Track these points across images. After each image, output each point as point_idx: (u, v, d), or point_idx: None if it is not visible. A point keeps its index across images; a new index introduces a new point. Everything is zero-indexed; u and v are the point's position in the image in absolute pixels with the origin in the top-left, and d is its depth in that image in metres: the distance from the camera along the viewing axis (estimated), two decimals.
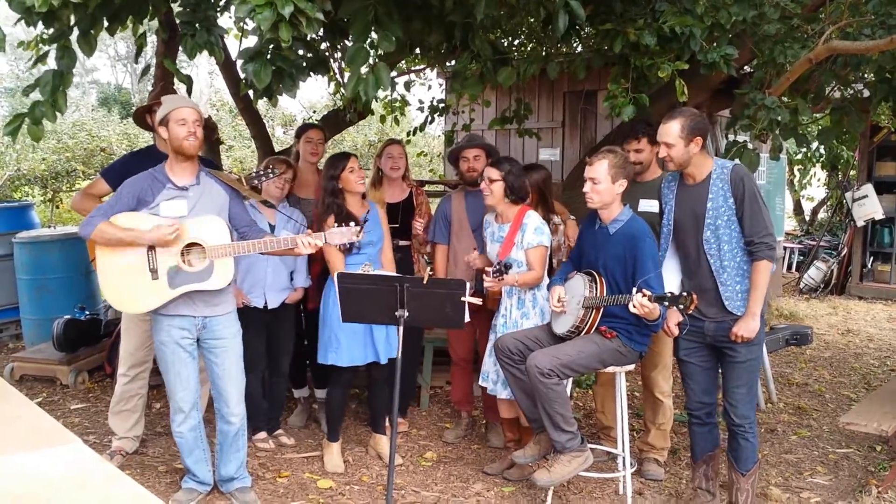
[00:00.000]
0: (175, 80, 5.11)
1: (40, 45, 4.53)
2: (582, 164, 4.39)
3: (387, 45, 4.04)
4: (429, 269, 5.04)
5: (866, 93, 6.09)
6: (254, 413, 4.63)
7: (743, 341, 3.75)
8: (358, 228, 3.94)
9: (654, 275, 3.87)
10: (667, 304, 3.68)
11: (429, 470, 4.77)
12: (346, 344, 4.49)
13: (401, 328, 3.81)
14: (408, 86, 8.11)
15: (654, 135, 4.54)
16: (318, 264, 4.92)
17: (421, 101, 8.08)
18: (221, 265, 3.83)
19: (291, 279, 4.89)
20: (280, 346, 4.93)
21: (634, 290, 3.73)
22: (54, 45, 4.29)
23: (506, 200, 4.47)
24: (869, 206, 10.33)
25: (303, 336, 5.28)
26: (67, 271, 7.01)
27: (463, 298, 3.81)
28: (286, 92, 4.54)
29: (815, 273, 11.06)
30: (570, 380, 4.15)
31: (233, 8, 4.20)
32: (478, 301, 4.01)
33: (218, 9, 4.71)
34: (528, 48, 7.23)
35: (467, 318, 3.91)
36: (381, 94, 4.13)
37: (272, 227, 4.71)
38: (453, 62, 5.86)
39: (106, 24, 4.47)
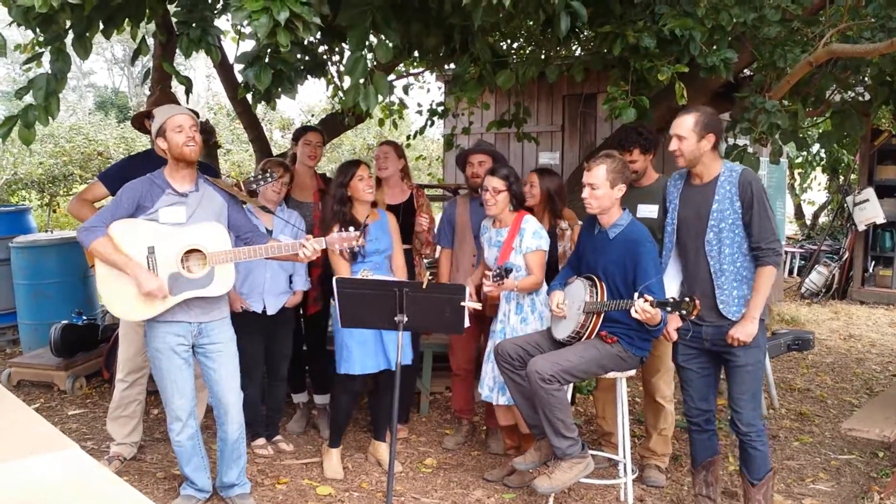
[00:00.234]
0: (174, 83, 5.09)
1: (36, 47, 4.52)
2: (581, 169, 4.38)
3: (384, 54, 4.03)
4: (428, 273, 5.02)
5: (867, 96, 6.09)
6: (252, 419, 4.61)
7: (740, 345, 3.72)
8: (358, 234, 3.92)
9: (656, 280, 3.85)
10: (669, 309, 3.66)
11: (429, 476, 4.75)
12: (357, 352, 4.46)
13: (403, 334, 3.79)
14: (406, 89, 8.12)
15: (645, 144, 4.55)
16: (317, 268, 4.90)
17: (420, 105, 8.08)
18: (222, 271, 3.81)
19: (290, 283, 4.86)
20: (278, 351, 4.91)
21: (636, 295, 3.71)
22: (48, 48, 4.27)
23: (509, 208, 4.46)
24: (870, 211, 10.32)
25: (301, 341, 5.25)
26: (65, 276, 6.98)
27: (462, 303, 3.80)
28: (285, 94, 4.54)
29: (816, 278, 11.05)
30: (571, 385, 4.12)
31: (229, 14, 4.19)
32: (477, 306, 3.99)
33: (215, 10, 4.70)
34: (528, 51, 7.23)
35: (467, 323, 3.90)
36: (378, 100, 4.12)
37: (269, 232, 4.70)
38: (452, 65, 5.86)
39: (102, 26, 4.45)
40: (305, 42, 5.20)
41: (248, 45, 4.36)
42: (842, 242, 11.61)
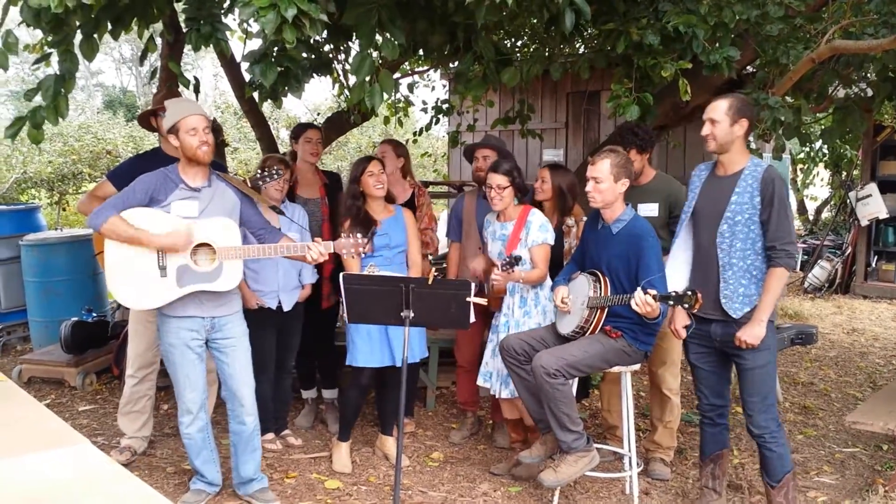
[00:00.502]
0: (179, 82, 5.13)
1: (45, 47, 4.55)
2: (585, 165, 4.40)
3: (391, 52, 4.05)
4: (433, 269, 5.06)
5: (869, 92, 6.09)
6: (262, 414, 4.64)
7: (748, 347, 3.69)
8: (366, 240, 3.97)
9: (658, 274, 3.87)
10: (671, 302, 3.69)
11: (435, 470, 4.79)
12: (361, 346, 4.53)
13: (409, 329, 3.82)
14: (411, 87, 8.13)
15: (641, 144, 4.57)
16: (330, 263, 4.94)
17: (424, 102, 8.10)
18: (230, 267, 3.85)
19: (300, 277, 4.91)
20: (287, 343, 4.95)
21: (640, 289, 3.73)
22: (57, 49, 4.30)
23: (514, 203, 4.49)
24: (873, 206, 10.30)
25: (309, 335, 5.27)
26: (74, 273, 7.03)
27: (468, 299, 3.83)
28: (292, 93, 4.56)
29: (819, 272, 11.04)
30: (576, 380, 4.15)
31: (237, 10, 4.22)
32: (483, 301, 4.02)
33: (222, 9, 4.73)
34: (532, 49, 7.24)
35: (473, 319, 3.93)
36: (384, 97, 4.14)
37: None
38: (456, 63, 5.88)
39: (110, 27, 4.49)
40: (311, 41, 5.23)
41: (255, 45, 4.39)
42: (844, 237, 11.60)
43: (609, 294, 3.97)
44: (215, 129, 6.29)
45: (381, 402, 4.95)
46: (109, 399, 5.93)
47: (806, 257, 12.14)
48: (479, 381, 4.67)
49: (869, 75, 5.83)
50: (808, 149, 12.79)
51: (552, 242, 4.49)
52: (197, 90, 5.06)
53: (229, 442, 4.25)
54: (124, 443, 4.77)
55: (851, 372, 7.05)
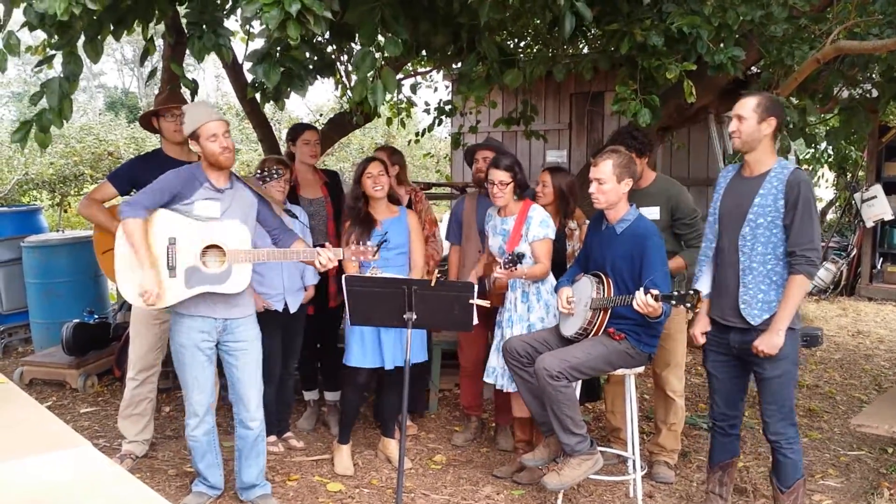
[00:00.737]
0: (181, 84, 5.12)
1: (47, 49, 4.54)
2: (589, 166, 4.39)
3: (394, 50, 4.04)
4: (436, 271, 5.04)
5: (874, 93, 6.08)
6: (265, 416, 4.63)
7: (764, 356, 3.60)
8: (375, 248, 3.96)
9: (661, 273, 3.85)
10: (673, 302, 3.67)
11: (438, 473, 4.77)
12: (354, 346, 4.53)
13: (410, 331, 3.81)
14: (414, 88, 8.12)
15: (640, 147, 4.53)
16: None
17: (427, 104, 8.09)
18: (239, 270, 3.84)
19: (303, 278, 4.90)
20: (290, 345, 4.93)
21: (641, 289, 3.72)
22: (60, 51, 4.29)
23: (514, 198, 4.48)
24: (878, 207, 10.27)
25: (311, 337, 5.26)
26: (76, 275, 7.02)
27: (471, 301, 3.81)
28: (295, 92, 4.55)
29: (824, 274, 11.01)
30: (580, 382, 4.13)
31: (239, 10, 4.20)
32: (486, 303, 4.01)
33: (224, 10, 4.72)
34: (535, 50, 7.23)
35: (476, 321, 3.91)
36: (386, 97, 4.11)
37: None
38: (459, 64, 5.87)
39: (112, 28, 4.48)
40: (314, 41, 5.22)
41: (258, 45, 4.37)
42: (849, 239, 11.57)
43: (612, 295, 3.95)
44: None
45: (381, 405, 4.94)
46: (111, 401, 5.92)
47: None
48: (486, 378, 4.65)
49: (874, 76, 5.81)
50: (813, 150, 12.77)
51: (553, 237, 4.48)
52: (194, 93, 5.05)
53: (232, 445, 4.23)
54: (125, 448, 4.75)
55: (856, 374, 7.03)
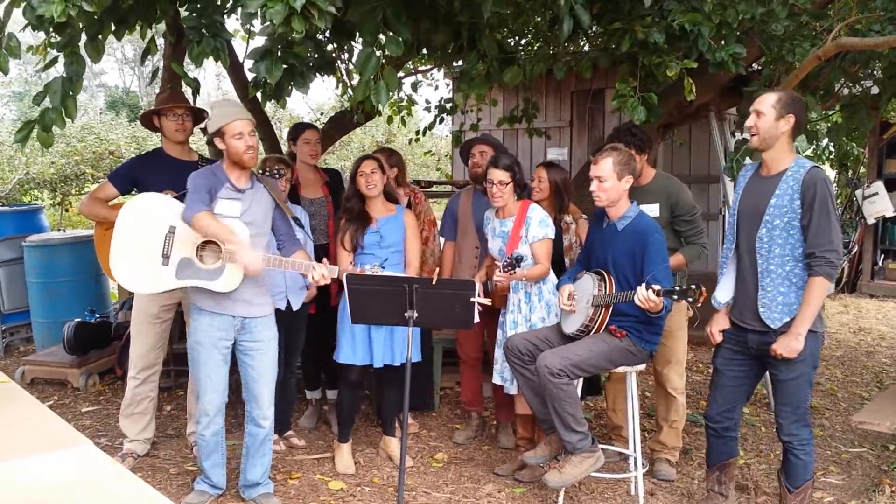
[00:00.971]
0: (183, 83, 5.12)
1: (49, 49, 4.54)
2: (589, 164, 4.39)
3: (396, 49, 4.04)
4: (437, 270, 5.04)
5: (876, 89, 6.07)
6: None
7: (782, 359, 3.54)
8: (375, 266, 3.98)
9: (662, 269, 3.84)
10: (675, 297, 3.66)
11: (439, 471, 4.77)
12: (344, 343, 4.56)
13: (411, 330, 3.81)
14: (415, 86, 8.12)
15: (639, 144, 4.52)
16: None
17: (428, 102, 8.08)
18: (232, 270, 3.84)
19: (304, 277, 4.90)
20: (292, 343, 4.93)
21: (643, 284, 3.71)
22: (63, 52, 4.29)
23: (514, 198, 4.48)
24: (879, 204, 10.27)
25: (314, 336, 5.25)
26: (77, 274, 7.03)
27: (472, 299, 3.81)
28: (297, 89, 4.55)
29: None
30: (581, 380, 4.13)
31: (239, 10, 4.20)
32: (487, 302, 4.00)
33: (224, 11, 4.72)
34: (536, 47, 7.23)
35: (477, 319, 3.91)
36: (389, 96, 4.13)
37: None
38: (460, 62, 5.87)
39: (113, 28, 4.48)
40: (316, 38, 5.21)
41: (259, 43, 4.38)
42: (851, 236, 11.55)
43: (614, 292, 3.95)
44: None
45: (380, 403, 4.93)
46: (112, 400, 5.92)
47: None
48: (495, 380, 4.64)
49: (875, 72, 5.80)
50: (814, 146, 12.75)
51: (553, 236, 4.48)
52: (197, 91, 5.05)
53: (237, 444, 4.23)
54: (126, 447, 4.75)
55: (858, 371, 7.03)
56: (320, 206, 5.17)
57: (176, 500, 4.21)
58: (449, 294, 3.84)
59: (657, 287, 3.66)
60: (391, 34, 4.10)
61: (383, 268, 4.25)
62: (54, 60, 4.50)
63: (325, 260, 3.99)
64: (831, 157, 13.16)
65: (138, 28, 4.90)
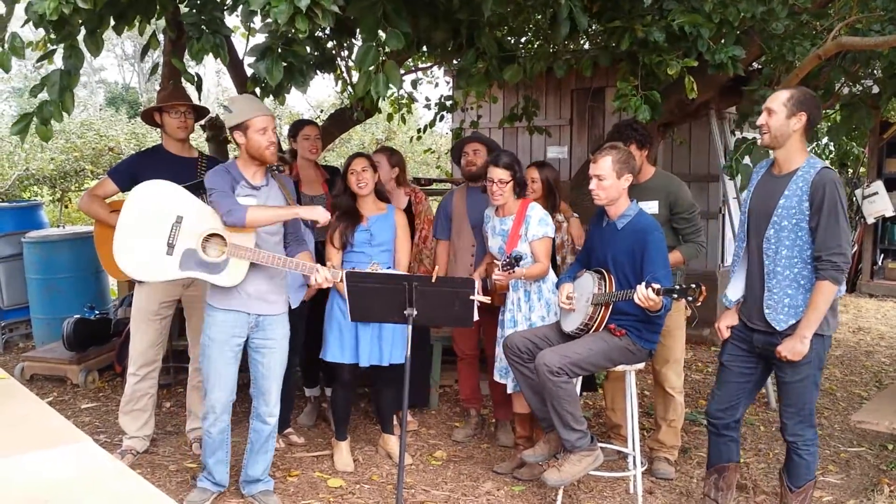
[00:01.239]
0: (183, 79, 5.12)
1: (48, 44, 4.54)
2: (589, 163, 4.40)
3: (396, 43, 4.03)
4: (436, 268, 5.03)
5: (876, 89, 6.07)
6: None
7: (787, 361, 3.53)
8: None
9: (662, 268, 3.84)
10: (675, 296, 3.66)
11: (439, 469, 4.77)
12: (331, 341, 4.55)
13: (410, 328, 3.81)
14: (415, 84, 8.11)
15: (641, 139, 4.52)
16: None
17: (428, 99, 8.08)
18: (235, 265, 3.83)
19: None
20: (290, 343, 4.92)
21: (642, 283, 3.71)
22: (61, 45, 4.29)
23: (513, 197, 4.48)
24: (879, 204, 10.26)
25: (313, 334, 5.25)
26: (77, 271, 7.03)
27: (472, 297, 3.81)
28: (297, 88, 4.55)
29: None
30: (580, 378, 4.14)
31: (240, 7, 4.20)
32: (486, 299, 4.00)
33: (225, 8, 4.71)
34: (536, 45, 7.23)
35: (476, 317, 3.91)
36: (391, 91, 4.12)
37: None
38: (459, 60, 5.87)
39: (113, 23, 4.47)
40: (316, 35, 5.21)
41: (259, 41, 4.38)
42: (851, 234, 11.57)
43: (614, 290, 3.95)
44: (218, 125, 6.30)
45: (376, 400, 4.94)
46: (112, 397, 5.93)
47: None
48: (496, 377, 4.64)
49: (875, 72, 5.80)
50: (814, 146, 12.77)
51: (552, 235, 4.48)
52: (199, 87, 5.04)
53: (236, 440, 4.23)
54: (125, 444, 4.75)
55: (857, 371, 7.03)
56: (320, 202, 5.16)
57: (175, 496, 4.21)
58: (448, 292, 3.84)
59: (657, 286, 3.66)
60: (391, 29, 4.10)
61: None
62: (51, 53, 4.50)
63: (330, 262, 3.99)
64: (831, 156, 13.20)
65: (138, 24, 4.90)
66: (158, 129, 4.81)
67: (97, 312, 6.63)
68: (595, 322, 3.99)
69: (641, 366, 4.19)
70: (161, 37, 5.62)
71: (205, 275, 3.82)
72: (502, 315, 4.62)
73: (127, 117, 18.11)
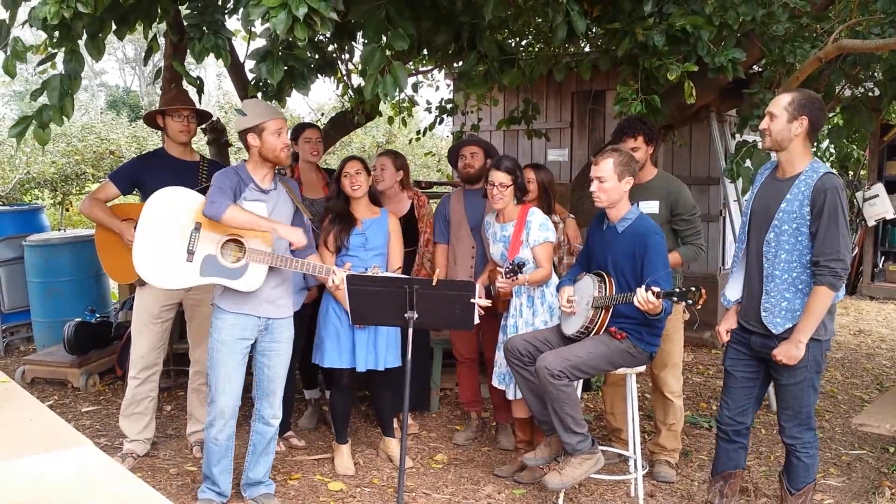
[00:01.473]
0: (185, 82, 5.12)
1: (49, 48, 4.55)
2: (590, 166, 4.40)
3: (401, 44, 4.03)
4: (437, 271, 5.03)
5: (876, 92, 6.08)
6: None
7: (783, 365, 3.52)
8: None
9: (663, 271, 3.84)
10: (675, 299, 3.66)
11: (439, 472, 4.77)
12: (329, 346, 4.53)
13: (411, 331, 3.81)
14: (416, 87, 8.12)
15: (649, 133, 4.52)
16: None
17: (429, 102, 8.09)
18: (255, 270, 3.84)
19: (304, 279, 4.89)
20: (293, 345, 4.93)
21: (642, 286, 3.71)
22: (62, 49, 4.30)
23: (514, 202, 4.47)
24: (880, 206, 10.26)
25: (311, 336, 5.25)
26: (78, 274, 7.03)
27: (472, 300, 3.81)
28: (299, 91, 4.56)
29: None
30: (580, 381, 4.13)
31: (241, 11, 4.20)
32: (487, 303, 4.00)
33: (226, 11, 4.72)
34: (536, 48, 7.24)
35: (477, 320, 3.91)
36: (397, 92, 4.13)
37: None
38: (460, 62, 5.88)
39: (114, 27, 4.48)
40: (316, 39, 5.21)
41: (259, 44, 4.38)
42: (851, 238, 11.57)
43: (614, 294, 3.94)
44: (219, 129, 6.31)
45: (375, 404, 4.94)
46: (112, 400, 5.92)
47: None
48: (495, 383, 4.64)
49: (876, 75, 5.81)
50: (815, 148, 12.77)
51: (553, 240, 4.48)
52: (200, 90, 5.05)
53: (239, 443, 4.21)
54: (126, 447, 4.75)
55: (858, 374, 7.03)
56: (320, 207, 5.16)
57: (176, 500, 4.21)
58: (449, 295, 3.83)
59: (657, 289, 3.66)
60: (395, 31, 4.10)
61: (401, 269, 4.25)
62: (52, 57, 4.50)
63: (347, 265, 4.00)
64: (832, 158, 13.20)
65: (139, 27, 4.90)
66: (159, 133, 4.81)
67: (98, 316, 6.62)
68: (595, 325, 3.98)
69: (642, 369, 4.18)
70: (162, 40, 5.63)
71: (225, 280, 3.82)
72: (504, 321, 4.61)
73: (128, 121, 18.13)
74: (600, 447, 4.12)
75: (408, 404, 3.80)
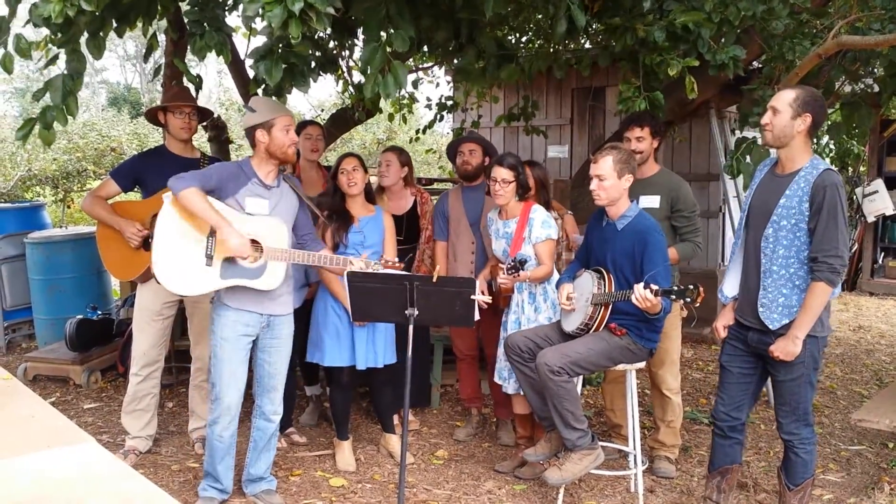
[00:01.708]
0: (184, 80, 5.13)
1: (50, 45, 4.55)
2: (589, 163, 4.40)
3: (401, 44, 4.04)
4: (437, 268, 5.04)
5: (876, 88, 6.08)
6: None
7: (780, 361, 3.53)
8: (378, 263, 4.01)
9: (662, 269, 3.85)
10: (673, 297, 3.67)
11: (440, 468, 4.78)
12: (329, 344, 4.53)
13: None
14: (416, 83, 8.13)
15: (655, 126, 4.54)
16: None
17: (429, 99, 8.09)
18: (274, 268, 3.85)
19: (305, 275, 4.90)
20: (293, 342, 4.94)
21: (640, 284, 3.72)
22: (63, 49, 4.30)
23: (515, 198, 4.48)
24: (879, 202, 10.26)
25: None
26: (79, 271, 7.04)
27: (473, 297, 3.82)
28: (298, 88, 4.55)
29: None
30: (581, 377, 4.14)
31: (241, 7, 4.20)
32: (487, 299, 4.01)
33: (226, 8, 4.72)
34: (536, 45, 7.24)
35: (477, 317, 3.91)
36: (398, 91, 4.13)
37: None
38: (460, 59, 5.88)
39: (115, 24, 4.48)
40: (317, 37, 5.21)
41: (260, 41, 4.38)
42: (850, 234, 11.57)
43: (613, 290, 3.95)
44: (219, 126, 6.32)
45: (374, 401, 4.96)
46: (114, 397, 5.94)
47: None
48: (496, 379, 4.65)
49: (876, 71, 5.81)
50: (814, 144, 12.77)
51: (556, 237, 4.48)
52: (199, 87, 5.05)
53: (240, 440, 4.22)
54: (128, 444, 4.76)
55: (857, 369, 7.04)
56: (317, 203, 5.17)
57: (178, 496, 4.21)
58: (450, 292, 3.85)
59: (655, 287, 3.66)
60: (395, 31, 4.10)
61: (412, 260, 4.25)
62: (55, 58, 4.51)
63: (364, 255, 4.01)
64: (832, 154, 13.20)
65: (140, 24, 4.91)
66: (160, 130, 4.81)
67: (100, 313, 6.64)
68: (595, 322, 3.99)
69: (642, 365, 4.19)
70: (162, 38, 5.63)
71: (246, 281, 3.83)
72: (506, 317, 4.62)
73: (129, 118, 18.12)
74: (600, 443, 4.13)
75: (408, 400, 3.82)
